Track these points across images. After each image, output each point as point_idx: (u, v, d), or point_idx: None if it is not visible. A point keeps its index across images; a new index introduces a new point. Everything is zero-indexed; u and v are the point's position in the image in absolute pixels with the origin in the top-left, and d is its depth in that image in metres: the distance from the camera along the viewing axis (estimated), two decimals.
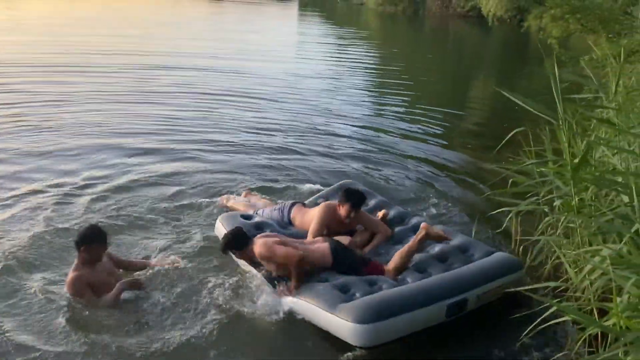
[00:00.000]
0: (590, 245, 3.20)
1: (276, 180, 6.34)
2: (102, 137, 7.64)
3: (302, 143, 8.00)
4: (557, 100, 3.34)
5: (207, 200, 5.61)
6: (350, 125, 9.19)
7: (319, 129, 8.83)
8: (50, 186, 5.79)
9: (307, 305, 3.57)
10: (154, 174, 6.33)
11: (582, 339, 2.88)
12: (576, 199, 3.37)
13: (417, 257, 4.00)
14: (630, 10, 11.38)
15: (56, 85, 10.68)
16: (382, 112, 10.79)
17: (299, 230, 4.57)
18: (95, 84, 11.03)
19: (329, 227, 4.43)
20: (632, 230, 2.66)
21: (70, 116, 8.61)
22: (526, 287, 3.35)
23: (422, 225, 4.13)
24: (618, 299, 2.48)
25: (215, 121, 8.98)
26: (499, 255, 3.98)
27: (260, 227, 4.51)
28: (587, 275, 2.99)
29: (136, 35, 20.35)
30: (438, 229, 4.22)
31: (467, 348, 3.50)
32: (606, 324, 2.48)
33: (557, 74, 3.28)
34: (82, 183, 5.94)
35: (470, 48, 27.09)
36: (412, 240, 4.03)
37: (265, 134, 8.37)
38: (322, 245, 4.05)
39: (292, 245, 4.00)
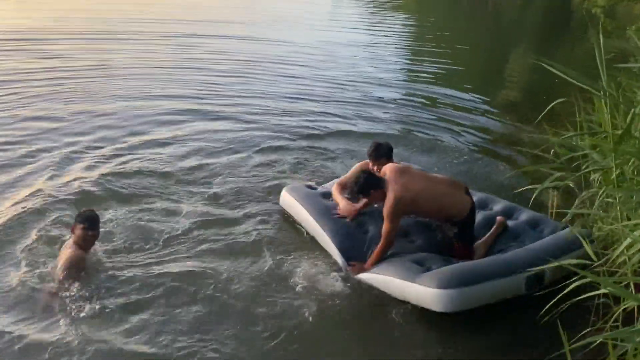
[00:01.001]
0: (629, 220, 3.11)
1: (320, 147, 6.41)
2: (142, 101, 7.80)
3: (341, 108, 8.10)
4: (600, 69, 3.21)
5: (254, 166, 5.70)
6: (389, 94, 9.20)
7: (357, 96, 8.86)
8: (85, 147, 5.97)
9: (384, 278, 3.59)
10: (199, 141, 6.41)
11: (615, 314, 2.82)
12: (616, 172, 3.27)
13: None
14: None
15: (95, 52, 10.87)
16: (420, 81, 10.70)
17: None
18: (133, 51, 11.19)
19: None
20: None
21: (109, 81, 8.84)
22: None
23: (499, 219, 4.13)
24: None
25: (255, 87, 9.12)
26: (569, 230, 3.85)
27: (327, 196, 4.55)
28: (625, 250, 2.91)
29: (169, 4, 20.46)
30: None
31: (495, 316, 3.49)
32: None
33: (601, 41, 3.14)
34: (123, 145, 6.10)
35: (510, 17, 26.32)
36: (491, 235, 4.02)
37: (304, 99, 8.49)
38: (466, 196, 3.94)
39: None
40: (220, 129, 6.82)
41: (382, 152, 4.34)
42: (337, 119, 7.55)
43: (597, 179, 3.69)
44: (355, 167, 4.62)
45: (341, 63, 11.58)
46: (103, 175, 5.19)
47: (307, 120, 7.35)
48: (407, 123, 7.59)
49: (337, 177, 5.06)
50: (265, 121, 7.22)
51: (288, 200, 4.61)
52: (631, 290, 2.97)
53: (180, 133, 6.58)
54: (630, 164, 3.31)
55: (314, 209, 4.32)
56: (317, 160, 5.97)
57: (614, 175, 3.26)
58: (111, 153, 5.83)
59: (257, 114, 7.50)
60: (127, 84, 8.66)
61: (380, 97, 8.88)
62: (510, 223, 4.15)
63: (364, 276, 3.74)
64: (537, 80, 11.22)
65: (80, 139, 6.17)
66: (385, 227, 3.73)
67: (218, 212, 4.70)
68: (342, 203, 4.23)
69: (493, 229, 4.06)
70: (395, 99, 8.88)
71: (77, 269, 3.55)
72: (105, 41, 12.04)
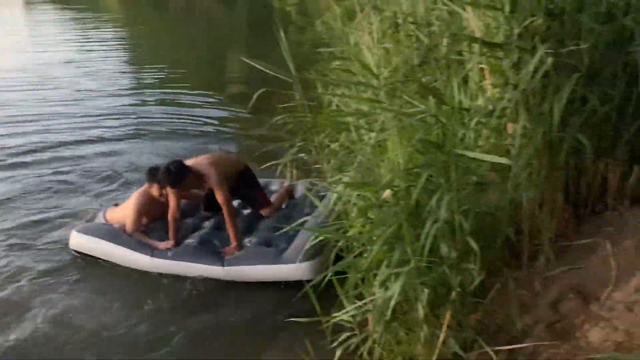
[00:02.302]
0: None
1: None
2: None
3: (72, 126, 7.98)
4: (287, 59, 3.84)
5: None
6: (120, 105, 9.21)
7: (88, 111, 8.81)
8: None
9: (251, 268, 4.04)
10: None
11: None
12: (320, 141, 3.98)
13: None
14: None
15: None
16: (147, 87, 10.84)
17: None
18: None
19: (148, 212, 4.53)
20: (357, 158, 3.29)
21: None
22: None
23: (285, 185, 4.96)
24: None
25: None
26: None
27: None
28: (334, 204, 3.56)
29: None
30: None
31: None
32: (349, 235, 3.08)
33: (283, 36, 3.78)
34: None
35: (219, 22, 27.51)
36: (280, 194, 4.90)
37: (27, 125, 8.06)
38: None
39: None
40: None
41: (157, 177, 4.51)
42: (69, 138, 7.37)
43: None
44: (133, 197, 4.60)
45: (61, 82, 11.09)
46: None
47: (37, 146, 7.07)
48: (147, 126, 7.71)
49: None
50: None
51: (89, 242, 4.38)
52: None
53: None
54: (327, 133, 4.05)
55: (136, 245, 4.32)
56: (62, 187, 5.77)
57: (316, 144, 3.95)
58: None
59: None
60: None
61: (114, 109, 8.98)
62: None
63: (235, 272, 4.06)
64: (254, 78, 12.18)
65: None
66: (221, 196, 4.22)
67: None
68: (162, 244, 4.35)
69: (280, 190, 4.93)
70: (127, 108, 8.98)
71: None
72: None
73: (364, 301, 2.88)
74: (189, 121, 8.32)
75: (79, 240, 4.45)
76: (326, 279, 2.92)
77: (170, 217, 4.42)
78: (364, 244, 2.84)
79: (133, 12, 34.90)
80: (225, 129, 8.00)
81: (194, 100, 9.60)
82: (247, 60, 3.99)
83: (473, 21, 3.18)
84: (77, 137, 7.43)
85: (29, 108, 9.05)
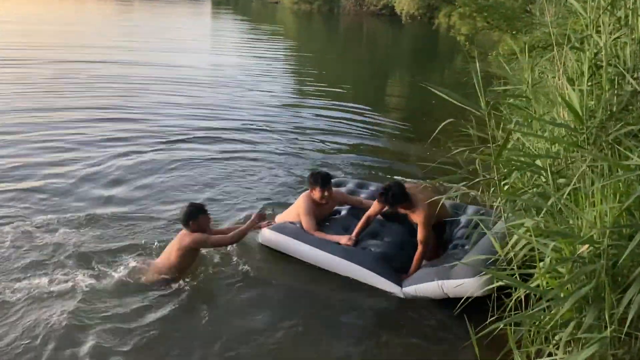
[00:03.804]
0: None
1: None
2: (29, 132, 7.51)
3: (248, 130, 8.56)
4: (478, 91, 3.68)
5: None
6: (278, 124, 9.24)
7: (258, 118, 9.31)
8: None
9: (426, 285, 3.98)
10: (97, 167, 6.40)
11: (510, 304, 3.22)
12: (500, 180, 3.75)
13: None
14: (530, 8, 12.30)
15: None
16: (305, 105, 11.02)
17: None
18: (27, 76, 11.03)
19: (315, 214, 4.67)
20: (548, 203, 3.04)
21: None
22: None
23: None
24: (541, 264, 2.85)
25: (154, 107, 9.37)
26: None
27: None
28: (512, 248, 3.34)
29: (50, 31, 19.77)
30: None
31: (401, 320, 3.86)
32: (532, 286, 2.85)
33: (477, 66, 3.62)
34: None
35: (385, 44, 27.96)
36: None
37: (217, 120, 8.93)
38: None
39: None
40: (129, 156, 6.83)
41: (328, 179, 4.70)
42: (250, 142, 7.89)
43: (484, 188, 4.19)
44: (300, 199, 4.77)
45: (234, 83, 12.29)
46: None
47: (224, 142, 7.73)
48: (294, 151, 7.70)
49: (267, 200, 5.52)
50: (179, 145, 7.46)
51: (279, 238, 4.57)
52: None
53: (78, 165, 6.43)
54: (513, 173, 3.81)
55: (322, 244, 4.43)
56: (239, 183, 6.23)
57: (496, 182, 3.74)
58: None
59: (165, 140, 7.63)
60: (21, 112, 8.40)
61: (279, 115, 9.67)
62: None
63: (411, 290, 4.05)
64: (415, 103, 12.14)
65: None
66: (422, 236, 4.24)
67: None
68: (343, 239, 4.47)
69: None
70: (284, 132, 9.12)
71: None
72: None
73: None
74: (349, 134, 8.54)
75: (269, 236, 4.61)
76: (497, 329, 2.73)
77: (366, 215, 4.53)
78: (550, 299, 2.60)
79: (305, 27, 36.93)
80: (387, 155, 7.92)
81: (356, 115, 9.80)
82: (432, 88, 3.89)
83: None
84: (245, 137, 8.00)
85: (204, 100, 10.11)
